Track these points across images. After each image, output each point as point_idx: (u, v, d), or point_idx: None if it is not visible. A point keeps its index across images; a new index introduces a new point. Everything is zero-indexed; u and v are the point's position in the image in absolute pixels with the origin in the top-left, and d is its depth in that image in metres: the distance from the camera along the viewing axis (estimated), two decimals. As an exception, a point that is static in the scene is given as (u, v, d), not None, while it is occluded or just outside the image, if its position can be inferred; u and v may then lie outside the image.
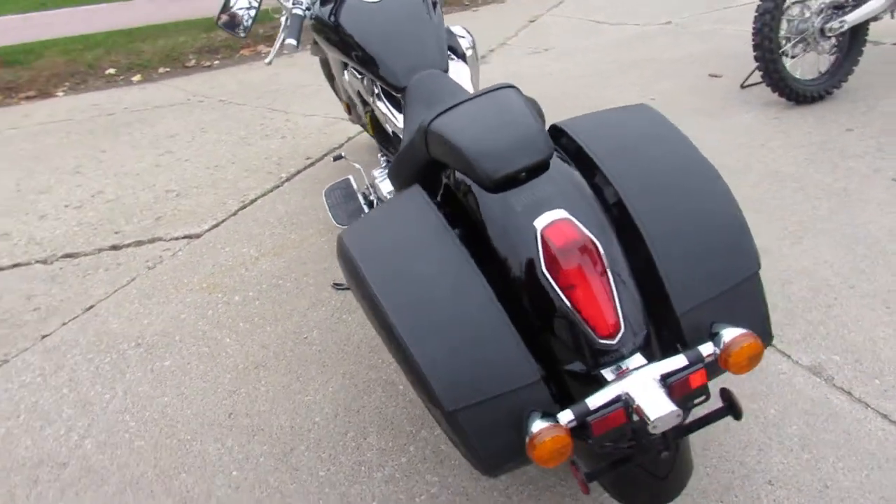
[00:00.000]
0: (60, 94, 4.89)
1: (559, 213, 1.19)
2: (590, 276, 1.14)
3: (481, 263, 1.25)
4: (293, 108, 4.10)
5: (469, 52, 2.14)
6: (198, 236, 2.76)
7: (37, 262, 2.69)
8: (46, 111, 4.51)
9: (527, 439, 1.07)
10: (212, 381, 1.98)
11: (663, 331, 1.23)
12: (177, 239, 2.75)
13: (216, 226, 2.82)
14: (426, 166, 1.50)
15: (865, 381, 1.75)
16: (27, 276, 2.60)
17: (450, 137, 1.29)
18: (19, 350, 2.20)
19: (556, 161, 1.32)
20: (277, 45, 1.98)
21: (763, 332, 1.22)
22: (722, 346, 1.10)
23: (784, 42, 3.17)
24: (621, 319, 1.14)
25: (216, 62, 5.32)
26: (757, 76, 3.26)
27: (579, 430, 1.08)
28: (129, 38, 5.63)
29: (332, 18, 2.04)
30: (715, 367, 1.12)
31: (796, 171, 2.72)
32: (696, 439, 1.64)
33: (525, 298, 1.21)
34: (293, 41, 1.91)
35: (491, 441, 1.14)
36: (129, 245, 2.74)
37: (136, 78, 5.07)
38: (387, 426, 1.77)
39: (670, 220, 1.23)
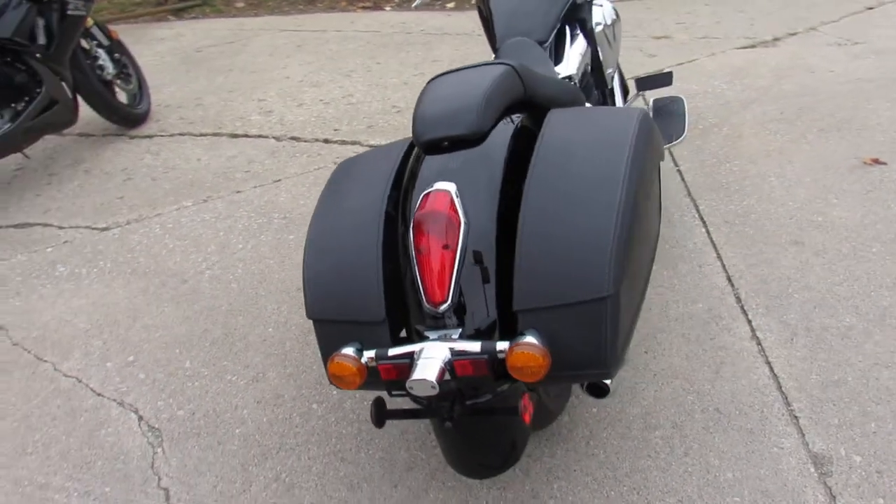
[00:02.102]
0: (388, 8, 5.70)
1: (445, 185, 1.27)
2: (435, 246, 1.22)
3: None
4: (549, 57, 4.24)
5: (598, 29, 2.10)
6: (385, 148, 3.18)
7: (272, 137, 3.40)
8: (367, 21, 5.33)
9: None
10: (307, 260, 2.41)
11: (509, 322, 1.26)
12: (370, 146, 3.22)
13: (405, 144, 3.21)
14: None
15: (866, 496, 1.45)
16: (260, 145, 3.32)
17: (419, 98, 1.43)
18: (217, 196, 2.89)
19: (496, 142, 1.36)
20: None
21: (595, 360, 1.17)
22: (508, 347, 1.12)
23: None
24: (450, 293, 1.21)
25: (524, 2, 5.61)
26: None
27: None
28: (464, -31, 6.20)
29: None
30: (504, 365, 1.14)
31: None
32: (625, 463, 1.58)
33: (400, 252, 1.33)
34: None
35: None
36: (335, 142, 3.29)
37: (450, 5, 5.64)
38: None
39: (546, 222, 1.22)
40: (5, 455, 1.76)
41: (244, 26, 5.47)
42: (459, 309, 1.22)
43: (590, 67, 2.09)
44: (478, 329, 1.23)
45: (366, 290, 1.28)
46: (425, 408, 1.24)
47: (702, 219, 2.43)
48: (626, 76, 3.51)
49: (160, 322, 2.18)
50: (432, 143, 1.33)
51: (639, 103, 2.76)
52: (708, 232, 2.35)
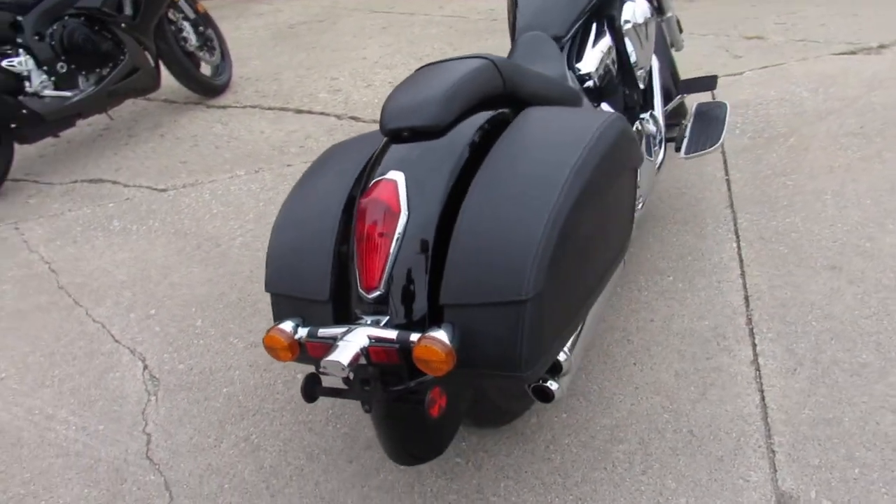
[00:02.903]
0: (481, -6, 5.69)
1: (394, 174, 1.29)
2: (374, 234, 1.24)
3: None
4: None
5: (626, 27, 2.02)
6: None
7: (334, 115, 3.51)
8: (455, 7, 5.35)
9: (270, 329, 1.30)
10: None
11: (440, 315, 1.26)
12: (423, 131, 3.26)
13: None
14: None
15: (823, 543, 1.36)
16: (320, 122, 3.44)
17: (395, 87, 1.45)
18: (268, 168, 3.03)
19: (463, 135, 1.35)
20: None
21: (509, 361, 1.16)
22: (417, 339, 1.13)
23: None
24: (382, 281, 1.23)
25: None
26: None
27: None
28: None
29: None
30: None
31: None
32: (578, 472, 1.55)
33: (350, 234, 1.36)
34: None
35: None
36: (391, 124, 3.35)
37: (544, -6, 5.55)
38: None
39: (481, 219, 1.21)
40: (27, 385, 1.95)
41: (338, 5, 5.64)
42: (393, 297, 1.24)
43: (615, 66, 2.03)
44: (409, 319, 1.24)
45: (316, 270, 1.33)
46: (349, 389, 1.28)
47: (736, 233, 2.30)
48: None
49: (186, 281, 2.33)
50: (395, 132, 1.35)
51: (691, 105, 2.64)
52: (739, 247, 2.23)
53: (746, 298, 2.01)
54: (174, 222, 2.68)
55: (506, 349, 1.16)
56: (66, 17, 3.02)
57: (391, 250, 1.23)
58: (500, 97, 1.48)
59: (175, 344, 2.06)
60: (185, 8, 3.60)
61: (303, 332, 1.26)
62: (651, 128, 2.18)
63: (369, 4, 5.59)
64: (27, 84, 2.91)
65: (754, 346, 1.85)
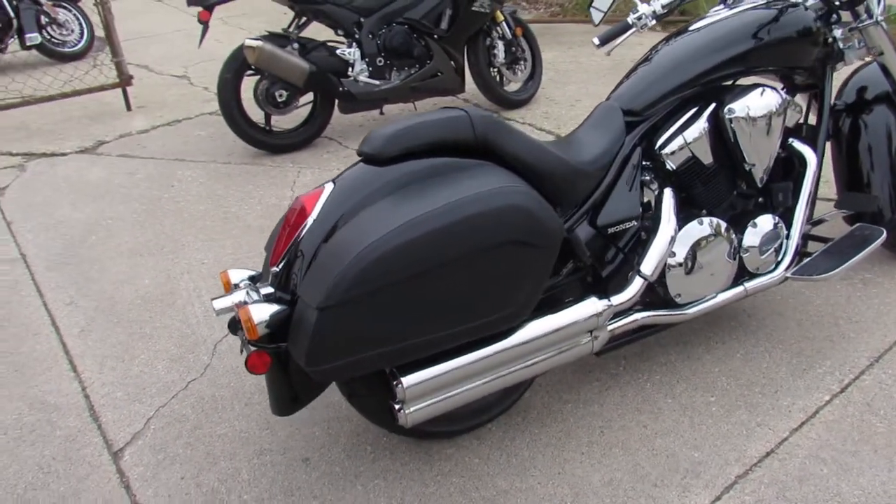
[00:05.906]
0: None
1: (326, 185, 1.58)
2: (288, 225, 1.56)
3: None
4: None
5: (730, 116, 1.80)
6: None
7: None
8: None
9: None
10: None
11: None
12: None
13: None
14: None
15: None
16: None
17: None
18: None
19: (397, 169, 1.56)
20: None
21: (299, 353, 1.40)
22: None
23: None
24: (280, 262, 1.54)
25: None
26: None
27: None
28: None
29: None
30: None
31: None
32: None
33: None
34: (596, 41, 2.14)
35: None
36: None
37: None
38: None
39: (339, 237, 1.44)
40: (204, 273, 2.72)
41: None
42: (283, 276, 1.55)
43: (714, 156, 1.84)
44: (286, 295, 1.53)
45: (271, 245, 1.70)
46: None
47: (845, 387, 1.87)
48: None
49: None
50: (358, 152, 1.63)
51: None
52: (827, 403, 1.82)
53: (769, 453, 1.69)
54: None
55: (300, 342, 1.40)
56: (394, 24, 3.79)
57: (292, 241, 1.55)
58: (474, 148, 1.61)
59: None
60: (505, 29, 4.10)
61: (236, 280, 1.67)
62: (763, 230, 1.91)
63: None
64: (350, 70, 3.77)
65: (717, 499, 1.59)
